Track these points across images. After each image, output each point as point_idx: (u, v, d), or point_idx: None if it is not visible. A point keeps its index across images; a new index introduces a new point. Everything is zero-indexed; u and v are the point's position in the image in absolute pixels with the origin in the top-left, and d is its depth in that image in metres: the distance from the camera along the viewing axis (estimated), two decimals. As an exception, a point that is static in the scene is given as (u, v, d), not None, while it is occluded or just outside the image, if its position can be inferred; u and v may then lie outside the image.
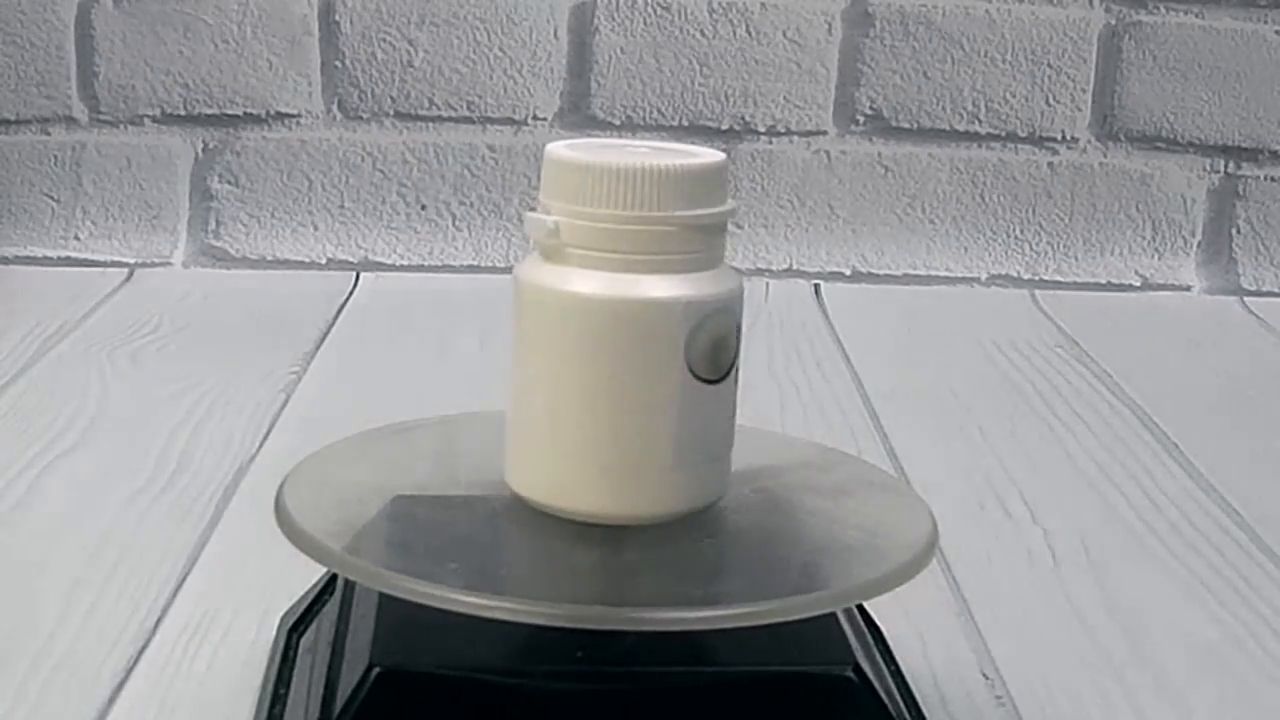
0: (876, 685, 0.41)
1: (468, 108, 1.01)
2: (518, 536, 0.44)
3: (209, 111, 1.01)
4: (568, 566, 0.42)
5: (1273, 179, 1.03)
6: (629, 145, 0.43)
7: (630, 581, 0.42)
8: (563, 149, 0.41)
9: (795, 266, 1.03)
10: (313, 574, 0.49)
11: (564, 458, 0.41)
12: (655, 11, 1.00)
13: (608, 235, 0.40)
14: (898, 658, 0.47)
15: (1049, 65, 1.01)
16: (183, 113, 1.01)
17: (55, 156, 1.01)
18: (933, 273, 1.03)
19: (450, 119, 1.01)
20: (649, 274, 0.40)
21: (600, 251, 0.40)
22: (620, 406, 0.41)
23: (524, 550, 0.44)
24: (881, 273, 1.03)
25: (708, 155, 0.42)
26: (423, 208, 1.02)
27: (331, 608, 0.46)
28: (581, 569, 0.42)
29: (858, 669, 0.41)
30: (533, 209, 0.42)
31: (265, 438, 0.72)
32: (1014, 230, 1.03)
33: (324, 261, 1.02)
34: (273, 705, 0.45)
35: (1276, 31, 1.01)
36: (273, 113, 1.01)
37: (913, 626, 0.54)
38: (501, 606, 0.37)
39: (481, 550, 0.43)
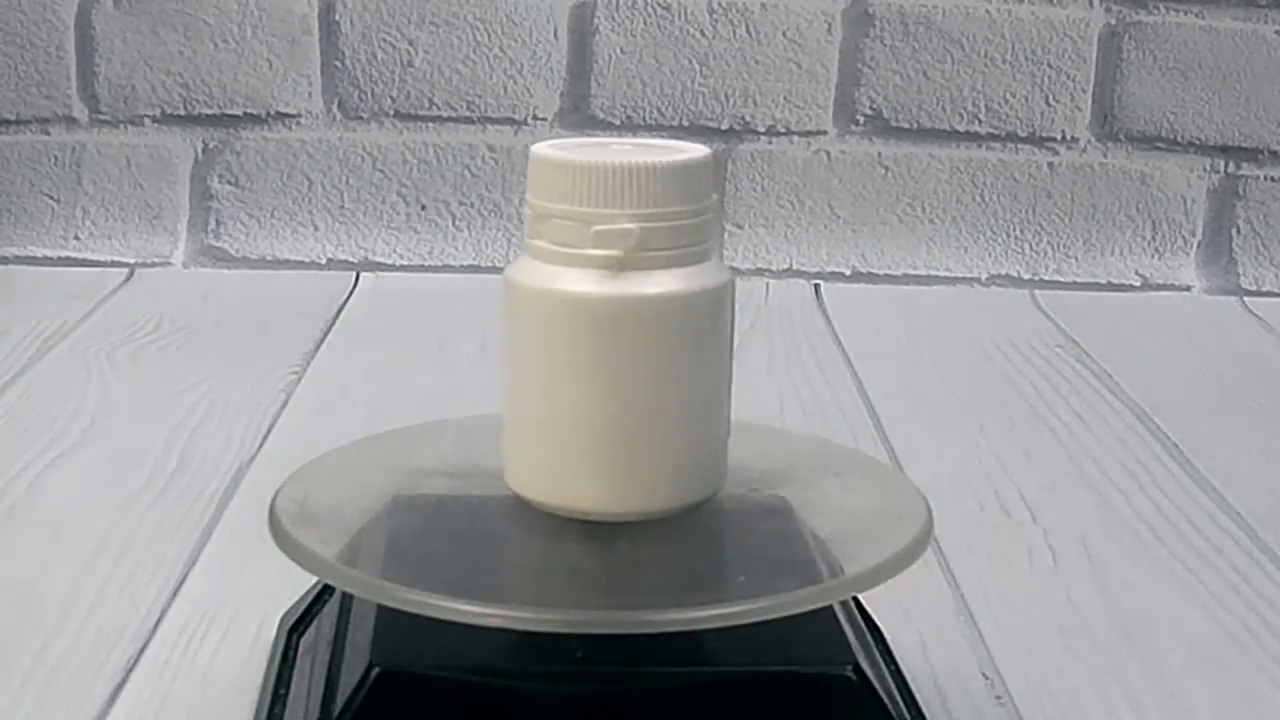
0: (876, 685, 0.41)
1: (468, 108, 1.01)
2: (518, 538, 0.44)
3: (209, 111, 1.01)
4: (569, 569, 0.42)
5: (1273, 179, 1.03)
6: (611, 144, 0.42)
7: (631, 583, 0.42)
8: (589, 155, 0.40)
9: (795, 266, 1.03)
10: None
11: (581, 456, 0.41)
12: (655, 11, 1.00)
13: (678, 232, 0.40)
14: (898, 658, 0.47)
15: (1049, 65, 1.01)
16: (183, 113, 1.01)
17: (55, 156, 1.01)
18: (933, 273, 1.03)
19: (450, 119, 1.01)
20: (691, 265, 0.41)
21: (669, 249, 0.40)
22: (686, 398, 0.41)
23: (524, 553, 0.44)
24: (881, 273, 1.03)
25: (694, 146, 0.42)
26: (423, 208, 1.02)
27: (331, 608, 0.46)
28: (582, 571, 0.42)
29: (858, 669, 0.41)
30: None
31: (265, 438, 0.72)
32: (1014, 230, 1.03)
33: (324, 261, 1.02)
34: (273, 705, 0.45)
35: (1276, 31, 1.01)
36: (273, 113, 1.01)
37: (913, 626, 0.54)
38: (501, 615, 0.37)
39: (481, 555, 0.43)
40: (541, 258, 0.41)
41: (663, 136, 0.99)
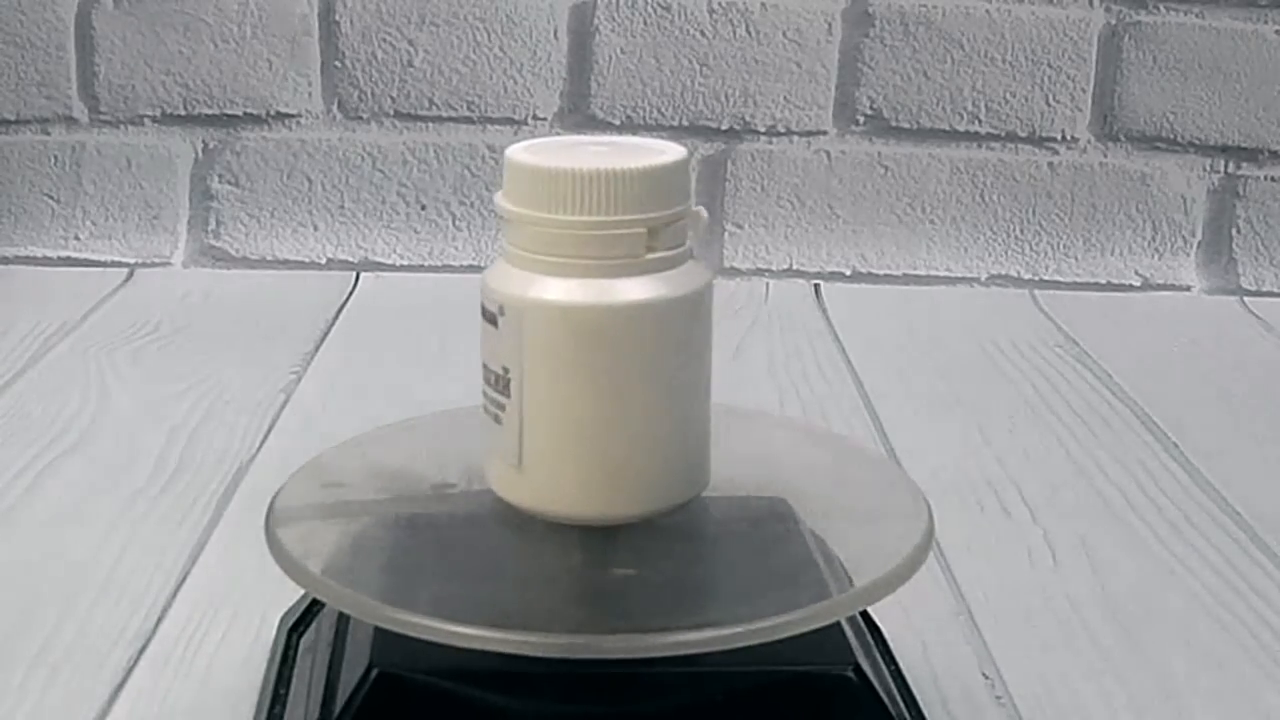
0: (876, 685, 0.41)
1: (468, 108, 1.01)
2: (511, 549, 0.43)
3: (209, 111, 1.01)
4: (565, 584, 0.42)
5: (1273, 179, 1.03)
6: (589, 143, 0.42)
7: (632, 600, 0.41)
8: (562, 159, 0.40)
9: (795, 266, 1.03)
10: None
11: (565, 461, 0.41)
12: (655, 11, 1.00)
13: (656, 235, 0.40)
14: (898, 658, 0.47)
15: (1049, 65, 1.01)
16: (183, 113, 1.01)
17: (55, 156, 1.01)
18: (933, 273, 1.03)
19: (450, 119, 1.01)
20: (671, 269, 0.40)
21: (648, 254, 0.40)
22: (668, 401, 0.41)
23: (520, 566, 0.44)
24: (881, 273, 1.03)
25: (672, 146, 0.42)
26: (423, 208, 1.02)
27: (331, 608, 0.46)
28: (580, 587, 0.42)
29: (858, 669, 0.41)
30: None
31: (265, 438, 0.72)
32: (1014, 230, 1.03)
33: (324, 261, 1.02)
34: (273, 705, 0.45)
35: (1276, 31, 1.01)
36: (273, 113, 1.01)
37: (913, 626, 0.54)
38: (500, 639, 0.37)
39: (476, 569, 0.43)
40: (516, 264, 0.41)
41: (663, 137, 0.99)
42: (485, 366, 0.42)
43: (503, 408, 0.41)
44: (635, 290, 0.40)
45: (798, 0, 1.00)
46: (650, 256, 0.40)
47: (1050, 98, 1.02)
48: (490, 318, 0.41)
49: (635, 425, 0.40)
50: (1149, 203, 1.03)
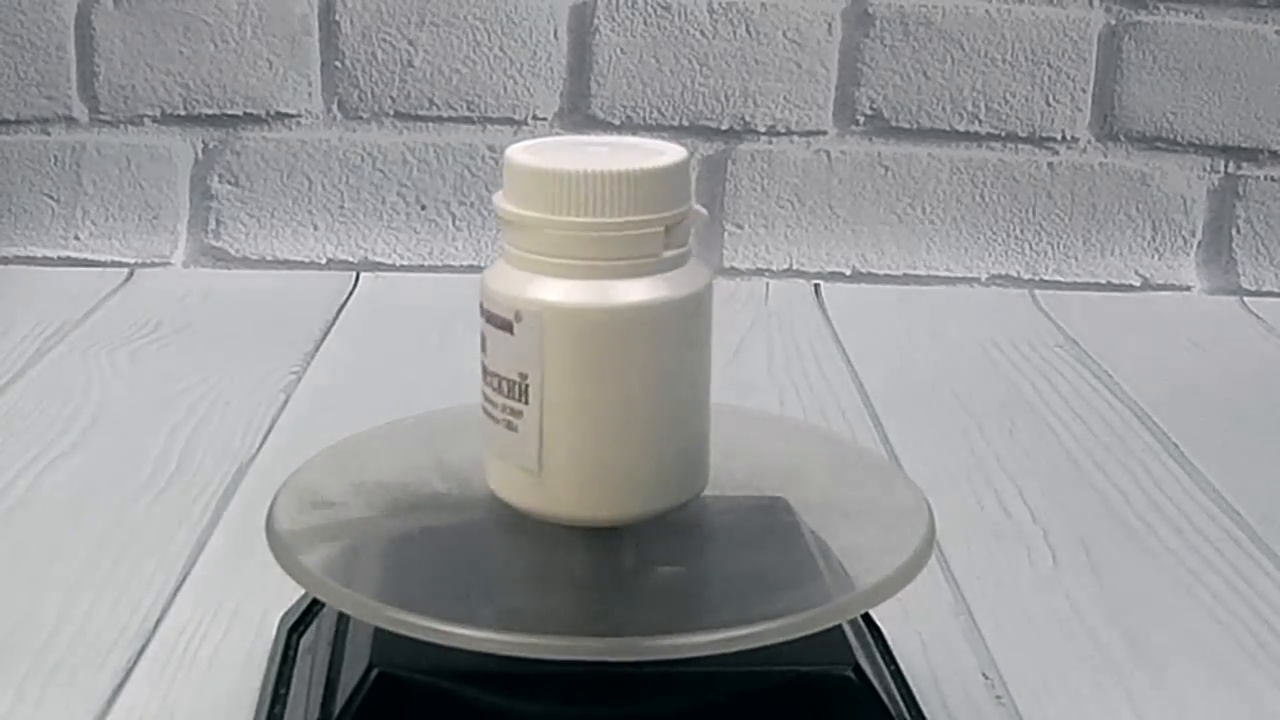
0: (876, 685, 0.41)
1: (468, 108, 1.01)
2: (514, 551, 0.43)
3: (209, 111, 1.01)
4: (567, 586, 0.42)
5: (1273, 179, 1.03)
6: (589, 143, 0.42)
7: (634, 602, 0.41)
8: (561, 160, 0.39)
9: (795, 266, 1.03)
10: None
11: (564, 463, 0.41)
12: (655, 11, 1.00)
13: (655, 238, 0.40)
14: (898, 658, 0.47)
15: (1049, 65, 1.01)
16: (183, 113, 1.01)
17: (55, 156, 1.01)
18: (933, 273, 1.03)
19: (450, 119, 1.01)
20: (671, 270, 0.40)
21: (647, 256, 0.40)
22: (669, 401, 0.40)
23: (521, 567, 0.44)
24: (881, 273, 1.03)
25: (671, 147, 0.41)
26: (423, 208, 1.02)
27: (331, 608, 0.46)
28: (582, 588, 0.42)
29: (858, 669, 0.41)
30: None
31: (265, 438, 0.72)
32: (1014, 230, 1.03)
33: (324, 261, 1.02)
34: (273, 705, 0.45)
35: (1276, 31, 1.01)
36: (273, 113, 1.01)
37: (913, 626, 0.54)
38: (502, 641, 0.37)
39: (479, 570, 0.43)
40: (526, 268, 0.41)
41: (663, 137, 0.99)
42: (493, 373, 0.41)
43: (519, 414, 0.41)
44: (633, 292, 0.40)
45: (798, 0, 1.00)
46: (666, 254, 0.40)
47: (1050, 98, 1.01)
48: (502, 324, 0.41)
49: (649, 426, 0.40)
50: (1149, 203, 1.03)
